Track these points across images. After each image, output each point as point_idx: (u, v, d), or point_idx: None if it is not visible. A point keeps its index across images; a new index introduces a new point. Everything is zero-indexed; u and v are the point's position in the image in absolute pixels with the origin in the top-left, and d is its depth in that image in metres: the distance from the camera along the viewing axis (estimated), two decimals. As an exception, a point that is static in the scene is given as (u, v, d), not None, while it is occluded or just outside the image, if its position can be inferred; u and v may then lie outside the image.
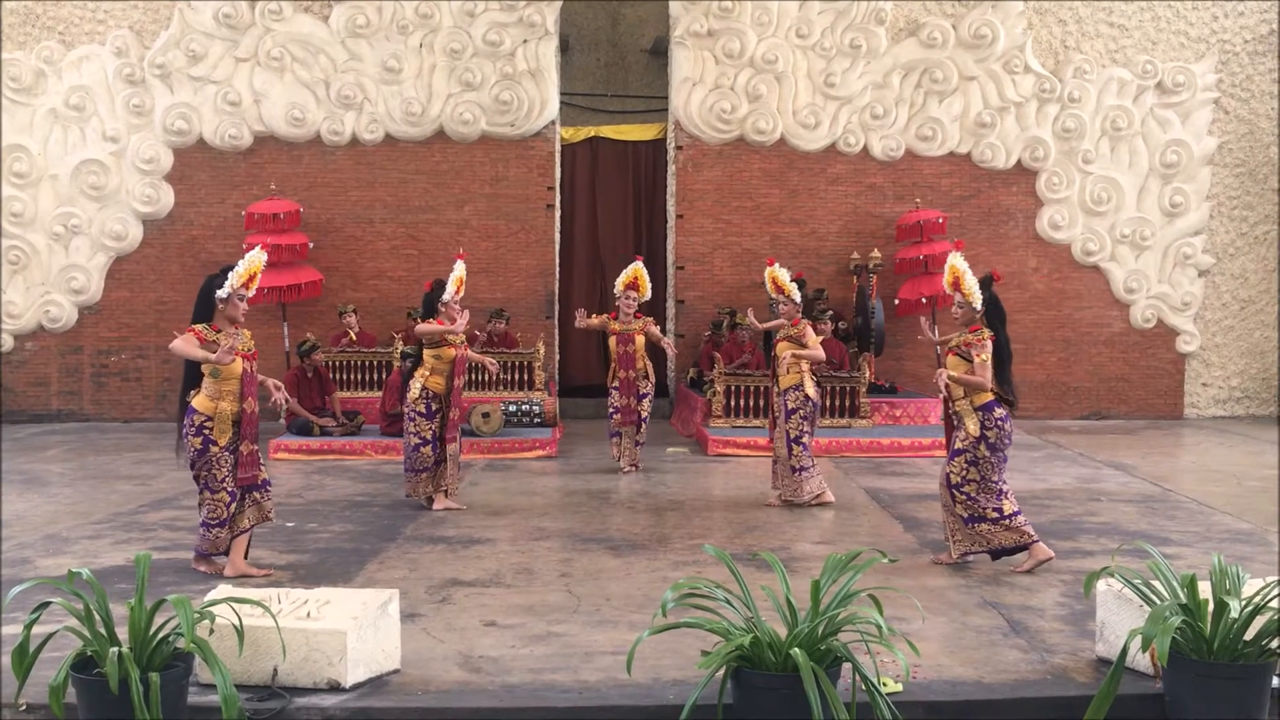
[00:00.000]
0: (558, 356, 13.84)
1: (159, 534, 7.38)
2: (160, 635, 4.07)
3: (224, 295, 5.97)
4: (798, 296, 8.60)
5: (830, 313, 12.86)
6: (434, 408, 8.08)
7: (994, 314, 6.49)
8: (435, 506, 8.10)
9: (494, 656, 4.84)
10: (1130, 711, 4.33)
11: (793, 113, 13.58)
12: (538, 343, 12.57)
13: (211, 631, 4.19)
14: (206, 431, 5.95)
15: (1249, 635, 4.15)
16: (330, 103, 13.33)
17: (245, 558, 6.24)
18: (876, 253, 12.91)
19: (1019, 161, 13.75)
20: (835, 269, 13.72)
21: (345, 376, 12.30)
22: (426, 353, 8.14)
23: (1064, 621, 5.39)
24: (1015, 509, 6.44)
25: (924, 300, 12.94)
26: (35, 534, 7.34)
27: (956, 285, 6.51)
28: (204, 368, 5.96)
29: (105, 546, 7.01)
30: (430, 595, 5.84)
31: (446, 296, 8.10)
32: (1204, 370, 14.17)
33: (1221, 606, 4.17)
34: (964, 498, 6.40)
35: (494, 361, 8.70)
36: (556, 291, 13.86)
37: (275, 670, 4.37)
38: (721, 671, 4.01)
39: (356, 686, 4.43)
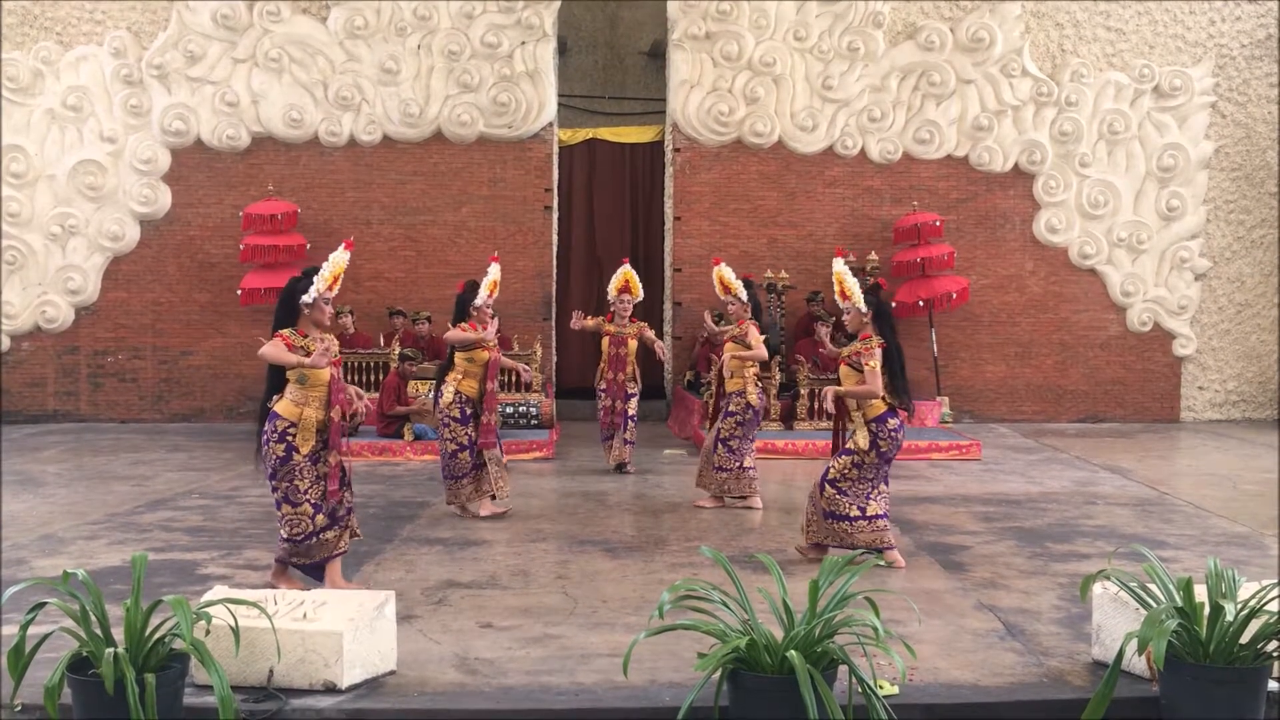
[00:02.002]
0: (554, 358, 13.84)
1: (155, 535, 7.37)
2: (156, 636, 4.07)
3: (310, 299, 5.77)
4: (745, 296, 8.62)
5: (832, 318, 12.88)
6: (468, 412, 7.90)
7: (882, 321, 6.55)
8: (482, 512, 7.89)
9: (490, 658, 4.84)
10: (1126, 714, 4.33)
11: (790, 115, 13.59)
12: (535, 344, 12.58)
13: (208, 632, 4.18)
14: (290, 438, 5.68)
15: (1245, 638, 4.16)
16: (328, 104, 13.33)
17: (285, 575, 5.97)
18: (873, 255, 12.92)
19: (1016, 165, 13.76)
20: (832, 271, 13.69)
21: (341, 377, 12.25)
22: (458, 356, 7.97)
23: (1060, 624, 5.40)
24: (881, 512, 6.51)
25: (921, 303, 12.96)
26: (31, 534, 7.33)
27: (843, 292, 6.60)
28: (290, 374, 5.72)
29: (101, 547, 7.00)
30: (426, 597, 5.84)
31: (479, 300, 7.97)
32: (1200, 374, 14.18)
33: (1217, 610, 4.17)
34: (833, 493, 6.46)
35: (527, 368, 8.66)
36: (554, 293, 13.86)
37: (271, 671, 4.36)
38: (718, 674, 4.01)
39: (352, 688, 4.42)
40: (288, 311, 5.82)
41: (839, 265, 6.71)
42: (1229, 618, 4.16)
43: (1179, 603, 4.24)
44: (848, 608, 4.19)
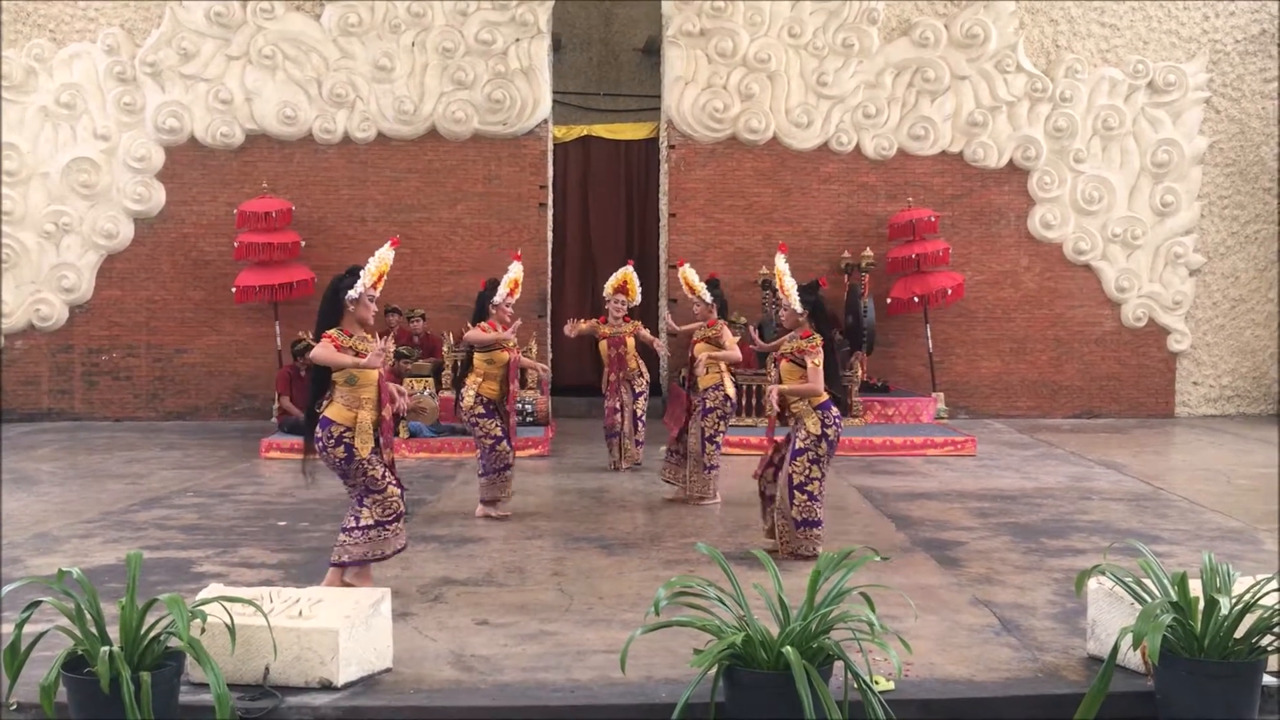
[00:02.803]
0: (550, 356, 13.83)
1: (150, 533, 7.36)
2: (152, 634, 4.07)
3: (354, 296, 5.65)
4: (708, 297, 8.64)
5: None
6: (491, 409, 7.79)
7: (820, 318, 6.66)
8: (477, 513, 7.83)
9: (486, 655, 4.84)
10: (1121, 709, 4.34)
11: (785, 112, 13.59)
12: (530, 342, 12.56)
13: (203, 630, 4.18)
14: (347, 440, 5.56)
15: (1239, 633, 4.17)
16: (322, 101, 13.30)
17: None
18: (868, 252, 12.92)
19: (1011, 161, 13.76)
20: (827, 268, 13.68)
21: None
22: (477, 357, 7.84)
23: (1055, 620, 5.41)
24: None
25: (916, 299, 12.97)
26: (26, 533, 7.32)
27: (781, 288, 6.75)
28: (337, 375, 5.60)
29: (96, 545, 6.99)
30: (422, 594, 5.83)
31: (498, 299, 7.87)
32: (1195, 369, 14.20)
33: (1212, 604, 4.18)
34: (805, 498, 6.49)
35: (546, 367, 8.61)
36: (549, 290, 13.85)
37: (267, 669, 4.36)
38: (714, 670, 4.01)
39: (348, 685, 4.42)
40: (332, 310, 5.70)
41: (779, 263, 6.91)
42: (1224, 612, 4.17)
43: (1174, 598, 4.25)
44: (843, 603, 4.19)
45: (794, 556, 6.51)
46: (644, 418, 10.00)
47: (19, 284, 13.24)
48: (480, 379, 7.82)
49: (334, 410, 5.61)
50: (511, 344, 7.88)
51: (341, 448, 5.57)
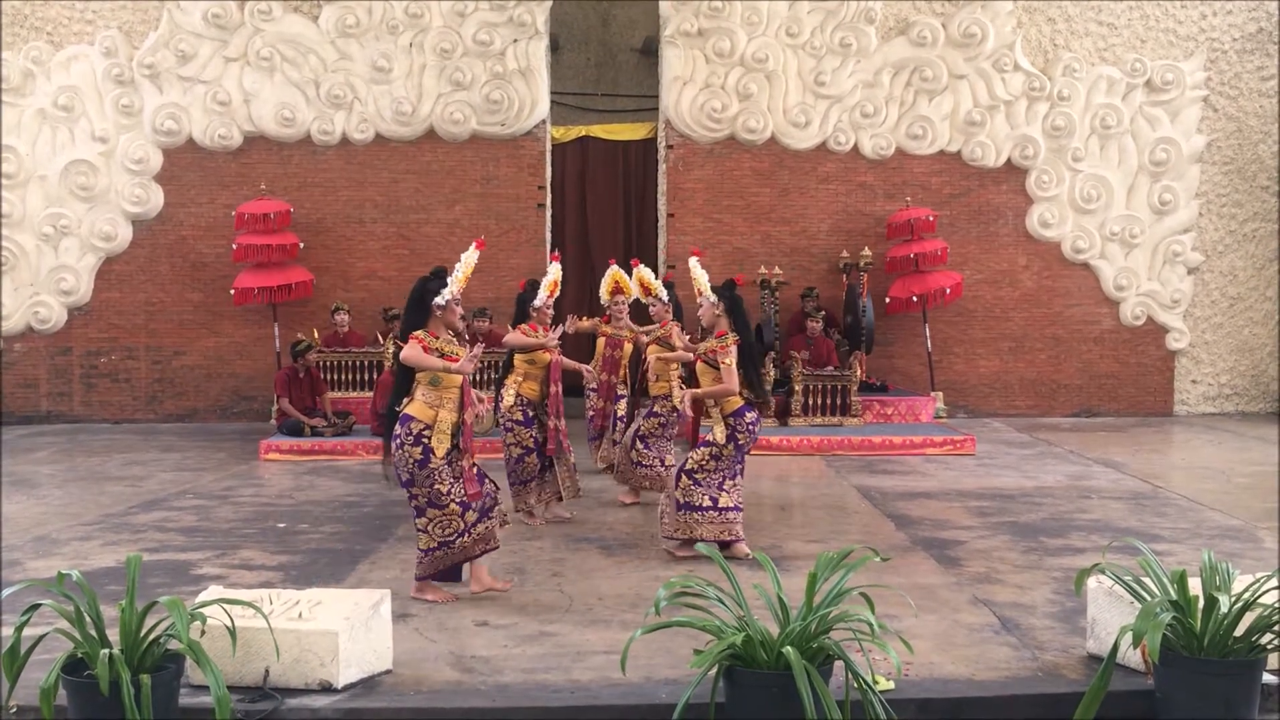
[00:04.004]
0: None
1: (149, 535, 7.36)
2: (151, 637, 4.07)
3: (443, 302, 5.69)
4: (665, 296, 8.58)
5: (822, 312, 12.90)
6: (530, 414, 7.67)
7: (737, 316, 6.60)
8: (554, 513, 7.71)
9: (486, 656, 4.84)
10: (1121, 708, 4.34)
11: (783, 111, 13.59)
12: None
13: (203, 633, 4.18)
14: (425, 440, 5.55)
15: (1239, 631, 4.17)
16: (320, 102, 13.30)
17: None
18: (867, 251, 12.91)
19: (1009, 160, 13.77)
20: (826, 267, 13.72)
21: (336, 376, 12.29)
22: (518, 359, 7.73)
23: (1055, 619, 5.41)
24: (733, 504, 6.55)
25: (914, 299, 12.96)
26: (25, 536, 7.31)
27: (698, 290, 6.74)
28: (422, 376, 5.62)
29: (95, 548, 6.99)
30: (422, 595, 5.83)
31: (538, 301, 7.77)
32: (1193, 367, 14.21)
33: (1212, 603, 4.19)
34: (688, 483, 6.51)
35: (590, 368, 8.56)
36: (548, 291, 13.82)
37: (267, 671, 4.36)
38: (714, 670, 4.01)
39: (348, 687, 4.42)
40: (419, 312, 5.71)
41: (692, 264, 6.94)
42: (1223, 611, 4.17)
43: (1173, 596, 4.25)
44: (843, 603, 4.19)
45: (686, 544, 6.47)
46: (624, 418, 9.65)
47: (17, 286, 13.23)
48: (521, 379, 7.71)
49: (415, 408, 5.62)
50: (554, 346, 7.75)
51: (420, 447, 5.55)
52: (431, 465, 5.55)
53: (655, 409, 8.29)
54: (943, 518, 7.92)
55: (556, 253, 8.76)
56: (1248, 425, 13.18)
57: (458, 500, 5.61)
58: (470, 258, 5.86)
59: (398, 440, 5.58)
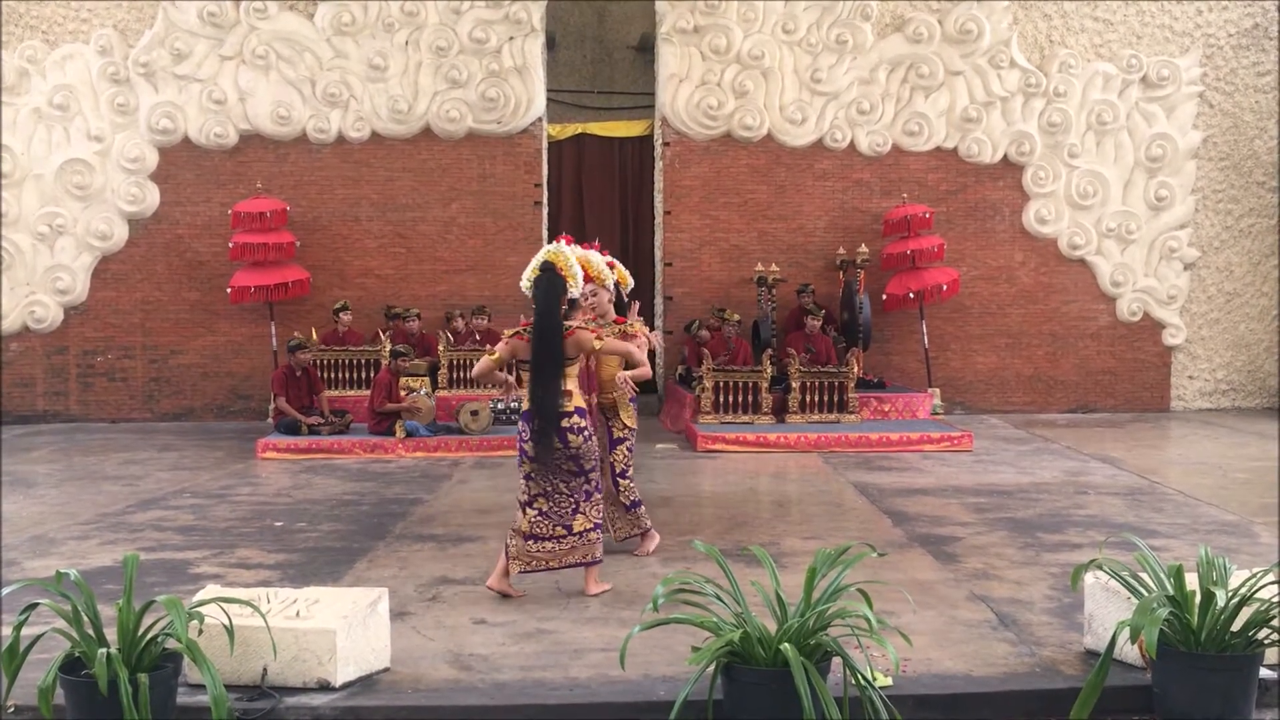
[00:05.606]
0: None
1: (146, 534, 7.35)
2: (149, 636, 4.06)
3: (575, 297, 5.87)
4: (611, 281, 8.47)
5: (823, 310, 12.90)
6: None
7: (617, 305, 6.78)
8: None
9: (484, 654, 4.84)
10: (1118, 703, 4.35)
11: (779, 108, 13.59)
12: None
13: (200, 632, 4.18)
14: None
15: (1236, 626, 4.18)
16: (316, 101, 13.29)
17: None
18: (863, 248, 12.92)
19: (1005, 156, 13.77)
20: (822, 264, 13.73)
21: (333, 375, 12.29)
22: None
23: (1052, 614, 5.42)
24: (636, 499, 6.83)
25: (911, 295, 12.97)
26: (22, 535, 7.31)
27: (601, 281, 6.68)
28: (572, 369, 5.81)
29: (93, 547, 6.98)
30: (420, 593, 5.83)
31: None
32: (1190, 363, 14.22)
33: (1209, 597, 4.19)
34: (628, 483, 6.65)
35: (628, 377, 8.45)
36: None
37: (265, 670, 4.36)
38: (712, 667, 4.02)
39: (346, 685, 4.42)
40: (566, 311, 5.82)
41: (592, 255, 6.78)
42: (1220, 605, 4.17)
43: (1170, 591, 4.26)
44: (841, 600, 4.20)
45: (626, 539, 6.67)
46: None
47: (13, 286, 13.21)
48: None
49: (580, 398, 5.79)
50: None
51: (593, 435, 5.85)
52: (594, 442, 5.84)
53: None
54: (940, 514, 7.93)
55: (597, 243, 8.29)
56: (1244, 420, 13.20)
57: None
58: (573, 253, 5.91)
59: (585, 433, 5.71)
